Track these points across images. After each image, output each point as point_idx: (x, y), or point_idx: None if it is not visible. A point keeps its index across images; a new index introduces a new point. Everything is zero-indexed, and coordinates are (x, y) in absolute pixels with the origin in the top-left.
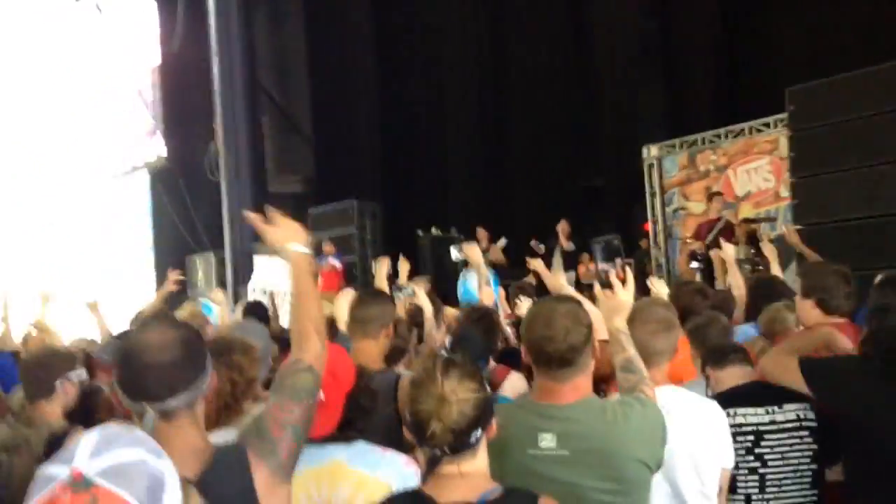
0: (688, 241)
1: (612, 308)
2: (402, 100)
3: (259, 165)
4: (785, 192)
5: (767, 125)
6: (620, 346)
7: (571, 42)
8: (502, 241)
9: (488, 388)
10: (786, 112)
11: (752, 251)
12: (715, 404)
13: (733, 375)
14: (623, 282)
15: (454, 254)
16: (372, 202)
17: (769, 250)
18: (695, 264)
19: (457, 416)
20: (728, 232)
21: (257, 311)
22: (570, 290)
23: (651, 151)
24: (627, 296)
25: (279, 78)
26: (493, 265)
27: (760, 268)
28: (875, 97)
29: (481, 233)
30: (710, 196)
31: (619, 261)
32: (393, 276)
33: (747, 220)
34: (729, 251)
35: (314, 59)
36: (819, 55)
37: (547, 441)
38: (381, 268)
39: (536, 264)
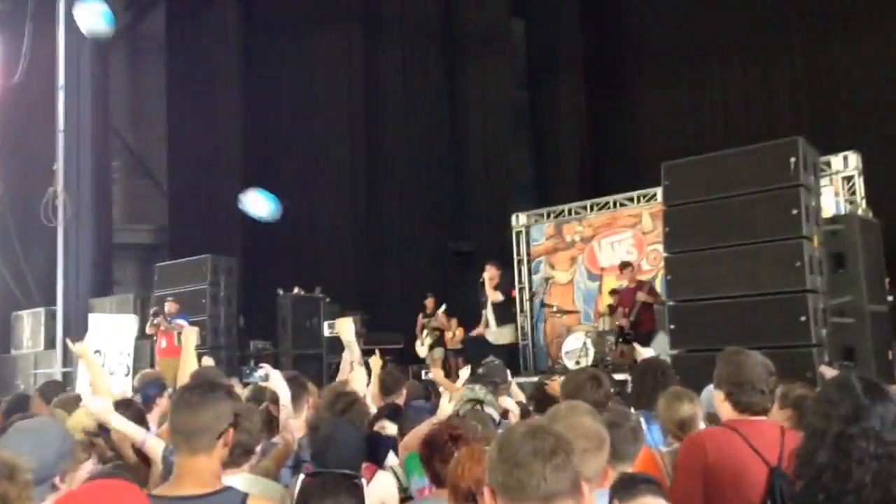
0: (617, 297)
1: None
2: (267, 151)
3: (104, 213)
4: (647, 266)
5: (632, 199)
6: None
7: (445, 108)
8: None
9: None
10: (648, 188)
11: (617, 324)
12: None
13: None
14: None
15: (326, 330)
16: (229, 258)
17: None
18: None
19: None
20: (648, 310)
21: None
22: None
23: (520, 219)
24: None
25: (134, 120)
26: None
27: (630, 339)
28: (750, 176)
29: (429, 302)
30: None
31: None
32: (245, 347)
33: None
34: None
35: (174, 103)
36: (683, 134)
37: None
38: (189, 340)
39: (436, 373)
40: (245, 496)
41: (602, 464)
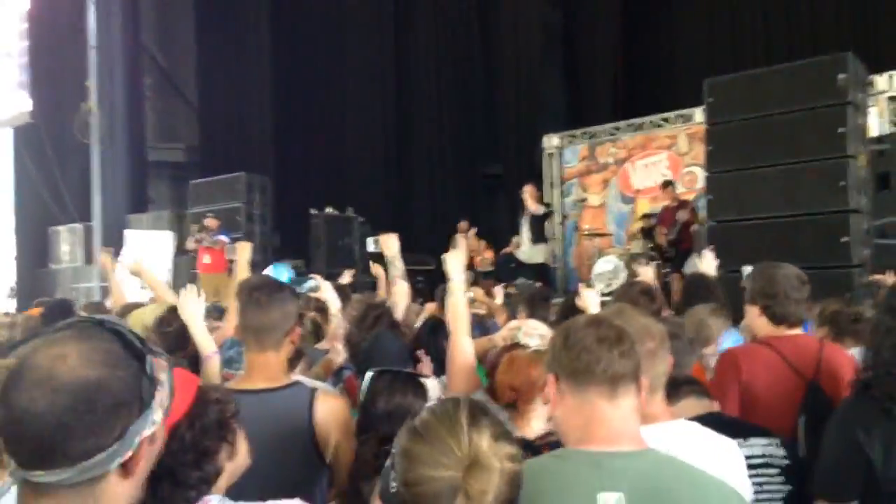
0: (651, 221)
1: None
2: (297, 72)
3: (137, 131)
4: (682, 188)
5: (667, 120)
6: None
7: (475, 29)
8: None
9: None
10: (685, 109)
11: (650, 246)
12: (730, 441)
13: (687, 410)
14: None
15: (370, 245)
16: (262, 176)
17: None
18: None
19: (500, 488)
20: (688, 229)
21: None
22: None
23: (552, 141)
24: None
25: (164, 38)
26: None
27: (657, 262)
28: (794, 94)
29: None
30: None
31: None
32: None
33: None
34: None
35: (203, 21)
36: (720, 52)
37: None
38: (243, 252)
39: (475, 292)
40: (314, 390)
41: (667, 366)
